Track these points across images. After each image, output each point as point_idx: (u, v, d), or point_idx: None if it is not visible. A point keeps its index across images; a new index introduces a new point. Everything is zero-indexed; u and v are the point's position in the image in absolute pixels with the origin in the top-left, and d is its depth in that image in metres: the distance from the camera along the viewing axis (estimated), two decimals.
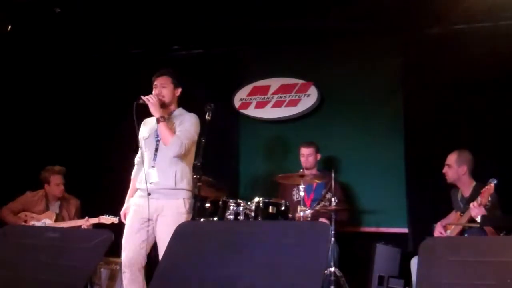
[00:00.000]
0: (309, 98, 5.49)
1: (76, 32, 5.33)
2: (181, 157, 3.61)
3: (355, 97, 5.38)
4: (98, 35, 5.46)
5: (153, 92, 3.68)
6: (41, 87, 5.63)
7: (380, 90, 5.29)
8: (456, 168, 4.12)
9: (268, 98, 5.65)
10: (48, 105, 5.70)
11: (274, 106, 5.62)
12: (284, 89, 5.61)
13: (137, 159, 3.87)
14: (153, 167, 3.60)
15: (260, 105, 5.66)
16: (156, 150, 3.63)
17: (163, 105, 3.67)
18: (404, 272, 4.36)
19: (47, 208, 4.81)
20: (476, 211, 3.65)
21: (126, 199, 3.80)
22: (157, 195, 3.57)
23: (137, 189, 3.72)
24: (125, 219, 3.74)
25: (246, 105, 5.71)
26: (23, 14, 4.83)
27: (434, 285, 1.90)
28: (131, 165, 3.92)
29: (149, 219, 3.58)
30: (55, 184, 4.82)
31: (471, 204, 3.72)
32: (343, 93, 5.45)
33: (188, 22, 5.24)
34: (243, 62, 5.86)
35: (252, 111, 5.69)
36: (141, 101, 3.58)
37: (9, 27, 4.86)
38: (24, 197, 4.86)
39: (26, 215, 4.75)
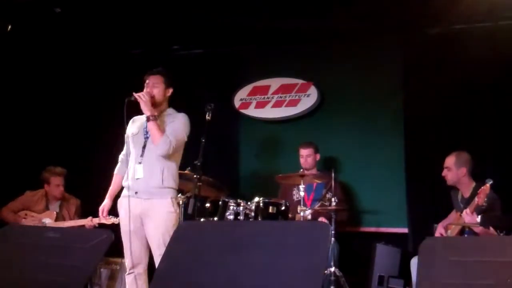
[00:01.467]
0: (309, 98, 5.48)
1: (76, 32, 5.33)
2: (168, 156, 3.61)
3: (355, 97, 5.38)
4: (98, 35, 5.46)
5: (144, 90, 3.69)
6: (41, 87, 5.62)
7: (380, 90, 5.29)
8: (455, 170, 4.08)
9: (268, 98, 5.64)
10: (48, 105, 5.68)
11: (274, 106, 5.62)
12: (284, 89, 5.60)
13: (121, 156, 3.86)
14: (139, 163, 3.60)
15: (260, 105, 5.66)
16: (144, 147, 3.63)
17: (153, 104, 3.67)
18: (404, 272, 4.36)
19: (47, 208, 4.80)
20: (469, 219, 3.64)
21: (108, 195, 3.79)
22: (145, 194, 3.56)
23: (122, 187, 3.72)
24: (103, 214, 3.76)
25: (246, 105, 5.71)
26: (23, 14, 4.83)
27: (434, 285, 1.90)
28: None
29: (140, 218, 3.58)
30: (55, 185, 4.81)
31: (463, 212, 3.72)
32: (343, 93, 5.45)
33: (188, 22, 5.24)
34: (243, 62, 5.86)
35: (252, 111, 5.68)
36: (132, 98, 3.60)
37: (9, 27, 4.86)
38: (24, 196, 4.85)
39: (26, 214, 4.74)
